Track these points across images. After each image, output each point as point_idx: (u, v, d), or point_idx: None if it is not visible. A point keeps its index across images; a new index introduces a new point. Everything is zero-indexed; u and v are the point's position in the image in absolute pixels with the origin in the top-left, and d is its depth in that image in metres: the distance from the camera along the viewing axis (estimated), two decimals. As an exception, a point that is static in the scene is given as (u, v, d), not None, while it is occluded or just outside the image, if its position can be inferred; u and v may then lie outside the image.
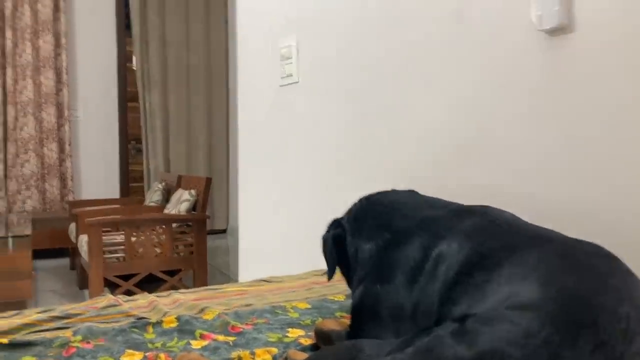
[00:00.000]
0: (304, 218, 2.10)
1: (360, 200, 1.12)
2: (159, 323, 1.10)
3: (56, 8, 5.15)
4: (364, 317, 0.94)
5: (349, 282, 1.11)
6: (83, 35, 5.37)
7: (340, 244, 1.08)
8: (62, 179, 5.23)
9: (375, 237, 0.98)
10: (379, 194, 1.12)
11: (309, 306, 1.23)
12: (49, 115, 5.15)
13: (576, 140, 1.18)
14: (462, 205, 0.99)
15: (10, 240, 3.49)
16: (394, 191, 1.14)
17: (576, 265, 0.69)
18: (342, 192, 1.90)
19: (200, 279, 3.85)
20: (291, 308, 1.22)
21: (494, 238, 0.80)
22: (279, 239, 2.28)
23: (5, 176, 5.02)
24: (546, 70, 1.23)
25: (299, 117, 2.13)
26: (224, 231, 5.96)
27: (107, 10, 5.45)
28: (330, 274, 1.11)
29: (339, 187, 1.91)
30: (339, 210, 1.20)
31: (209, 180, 4.05)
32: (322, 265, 1.50)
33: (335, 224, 1.12)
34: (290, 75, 2.14)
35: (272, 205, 2.32)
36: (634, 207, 1.08)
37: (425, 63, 1.57)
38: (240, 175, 2.58)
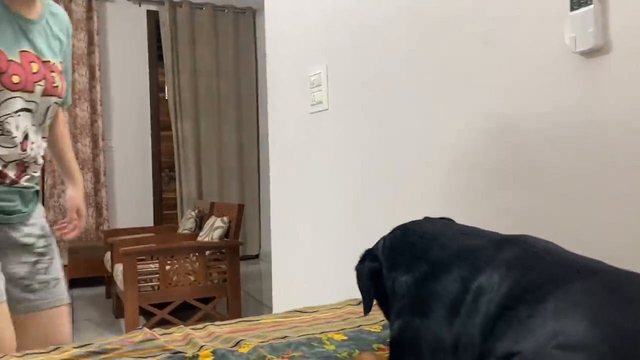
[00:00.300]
0: (335, 244, 2.09)
1: (394, 231, 1.10)
2: (195, 357, 1.09)
3: (90, 42, 5.30)
4: (404, 351, 0.92)
5: (387, 315, 1.08)
6: (117, 67, 5.51)
7: (377, 277, 1.06)
8: (98, 208, 5.33)
9: (412, 269, 0.96)
10: (413, 223, 1.10)
11: (345, 338, 1.21)
12: (85, 147, 5.27)
13: (615, 165, 1.15)
14: (501, 234, 0.96)
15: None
16: (428, 220, 1.12)
17: (626, 299, 0.66)
18: (373, 218, 1.89)
19: (234, 307, 3.85)
20: (327, 340, 1.20)
21: (537, 270, 0.77)
22: (311, 265, 2.27)
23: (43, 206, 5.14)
24: (581, 93, 1.21)
25: (329, 144, 2.13)
26: (256, 257, 5.98)
27: (140, 43, 5.59)
28: (367, 309, 1.09)
29: (370, 213, 1.90)
30: (371, 236, 1.18)
31: (241, 207, 4.07)
32: (356, 293, 1.49)
33: (370, 256, 1.10)
34: (320, 102, 2.14)
35: (304, 232, 2.32)
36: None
37: (455, 87, 1.55)
38: (272, 202, 2.59)
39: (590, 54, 1.17)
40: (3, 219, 1.48)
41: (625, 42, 1.12)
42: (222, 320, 1.45)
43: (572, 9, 1.18)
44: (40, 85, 1.46)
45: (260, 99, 5.91)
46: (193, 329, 1.30)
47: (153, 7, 5.58)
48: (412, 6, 1.69)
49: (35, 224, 1.60)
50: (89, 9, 5.28)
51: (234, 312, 3.82)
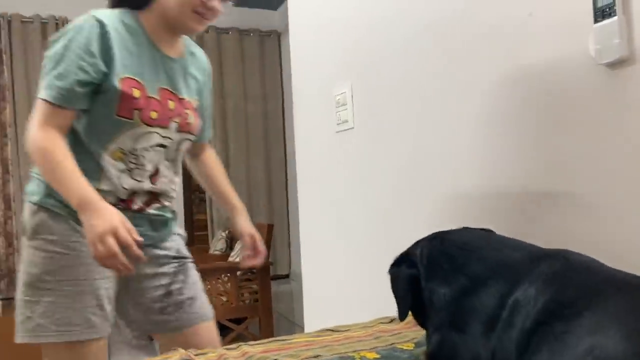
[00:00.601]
0: (366, 262, 2.09)
1: (433, 240, 1.09)
2: (229, 377, 1.10)
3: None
4: None
5: (423, 325, 1.08)
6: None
7: (414, 284, 1.05)
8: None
9: (450, 281, 0.96)
10: (452, 233, 1.09)
11: (378, 356, 1.21)
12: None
13: (648, 174, 1.13)
14: (540, 248, 0.95)
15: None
16: (468, 230, 1.11)
17: None
18: (403, 235, 1.89)
19: (267, 327, 3.86)
20: (360, 358, 1.20)
21: (573, 285, 0.77)
22: (342, 284, 2.27)
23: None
24: (608, 104, 1.20)
25: (355, 162, 2.14)
26: (287, 276, 5.98)
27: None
28: (403, 315, 1.08)
29: (400, 230, 1.90)
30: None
31: (270, 227, 4.09)
32: (388, 312, 1.49)
33: (408, 262, 1.09)
34: (346, 121, 2.16)
35: (334, 250, 2.32)
36: None
37: (482, 104, 1.55)
38: (300, 222, 2.60)
39: (615, 65, 1.16)
40: None
41: (651, 53, 1.11)
42: (254, 340, 1.46)
43: (595, 20, 1.18)
44: (175, 121, 1.49)
45: (286, 120, 5.97)
46: (227, 349, 1.31)
47: (181, 33, 5.72)
48: (438, 24, 1.70)
49: (170, 247, 1.63)
50: (119, 38, 5.45)
51: (267, 332, 3.83)
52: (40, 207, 1.42)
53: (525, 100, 1.41)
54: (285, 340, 1.38)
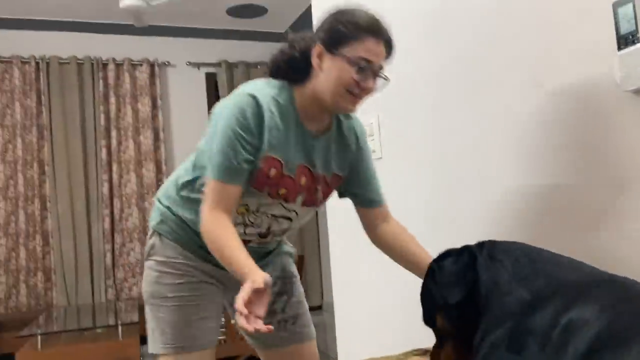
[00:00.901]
0: (397, 292, 2.08)
1: (490, 243, 1.05)
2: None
3: (154, 106, 5.58)
4: None
5: (464, 327, 1.02)
6: (179, 128, 5.76)
7: (465, 276, 1.01)
8: (165, 265, 5.49)
9: (513, 292, 0.92)
10: (507, 242, 1.05)
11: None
12: (151, 205, 5.49)
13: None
14: (599, 270, 0.94)
15: (119, 327, 3.66)
16: (520, 243, 1.06)
17: None
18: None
19: (300, 359, 3.83)
20: (392, 391, 1.20)
21: (627, 314, 0.75)
22: (375, 315, 2.26)
23: (113, 265, 5.33)
24: (634, 130, 1.19)
25: (384, 192, 2.15)
26: (319, 307, 5.96)
27: (200, 103, 5.83)
28: (457, 297, 1.01)
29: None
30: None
31: (301, 259, 4.10)
32: (421, 343, 1.48)
33: (462, 254, 1.04)
34: (374, 151, 2.18)
35: (366, 281, 2.32)
36: None
37: (509, 129, 1.56)
38: (331, 252, 2.61)
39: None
40: None
41: (677, 78, 1.11)
42: (287, 372, 1.47)
43: (619, 48, 1.19)
44: (302, 196, 1.49)
45: (316, 150, 6.02)
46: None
47: (211, 69, 5.83)
48: (465, 55, 1.72)
49: (275, 268, 1.66)
50: (152, 75, 5.58)
51: (300, 364, 3.80)
52: (154, 231, 1.55)
53: (553, 128, 1.41)
54: (318, 372, 1.38)
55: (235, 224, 1.46)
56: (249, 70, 5.90)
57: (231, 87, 5.81)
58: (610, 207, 1.27)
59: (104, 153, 5.35)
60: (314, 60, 1.38)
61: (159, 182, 5.56)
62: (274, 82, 1.44)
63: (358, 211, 1.62)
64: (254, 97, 1.37)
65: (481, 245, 1.06)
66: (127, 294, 5.35)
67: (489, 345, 0.92)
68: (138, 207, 5.44)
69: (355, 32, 1.33)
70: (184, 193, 1.51)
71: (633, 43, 1.15)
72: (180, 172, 1.57)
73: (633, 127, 1.20)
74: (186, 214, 1.51)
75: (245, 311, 1.15)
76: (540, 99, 1.44)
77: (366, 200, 1.60)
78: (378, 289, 2.22)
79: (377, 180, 1.63)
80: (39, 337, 3.48)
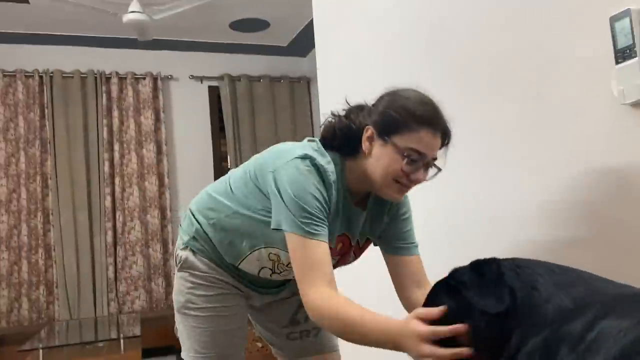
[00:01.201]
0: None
1: (512, 261, 1.01)
2: None
3: (157, 119, 5.61)
4: None
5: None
6: (181, 141, 5.77)
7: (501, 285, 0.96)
8: (167, 278, 5.48)
9: (552, 299, 0.89)
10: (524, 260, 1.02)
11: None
12: (154, 218, 5.48)
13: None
14: (633, 287, 0.92)
15: (122, 341, 3.65)
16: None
17: None
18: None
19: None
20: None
21: None
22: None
23: (116, 278, 5.33)
24: (632, 143, 1.20)
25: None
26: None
27: (203, 117, 5.85)
28: (499, 307, 0.95)
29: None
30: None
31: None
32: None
33: (489, 266, 1.00)
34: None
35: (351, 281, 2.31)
36: None
37: (508, 143, 1.56)
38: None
39: (638, 105, 1.17)
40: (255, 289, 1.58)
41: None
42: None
43: (617, 62, 1.20)
44: (335, 259, 1.45)
45: (318, 163, 6.03)
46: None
47: (214, 83, 5.86)
48: (464, 69, 1.73)
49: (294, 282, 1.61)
50: (155, 88, 5.60)
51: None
52: (187, 245, 1.54)
53: (552, 141, 1.42)
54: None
55: (263, 268, 1.47)
56: (252, 84, 5.93)
57: (234, 100, 5.85)
58: (612, 220, 1.27)
59: (106, 166, 5.37)
60: (364, 144, 1.32)
61: (161, 195, 5.57)
62: (324, 152, 1.37)
63: (388, 264, 1.53)
64: (321, 170, 1.31)
65: (494, 260, 1.02)
66: (129, 307, 5.33)
67: (524, 356, 0.88)
68: (140, 220, 5.44)
69: (410, 122, 1.25)
70: (221, 215, 1.47)
71: (630, 57, 1.16)
72: (217, 188, 1.54)
73: (631, 140, 1.20)
74: (219, 244, 1.49)
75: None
76: (540, 112, 1.45)
77: (392, 248, 1.51)
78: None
79: (412, 233, 1.53)
80: (41, 351, 3.48)
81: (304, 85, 6.13)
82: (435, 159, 1.30)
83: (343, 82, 2.46)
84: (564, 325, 0.84)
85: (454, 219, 1.80)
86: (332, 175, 1.33)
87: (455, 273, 1.06)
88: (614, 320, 0.78)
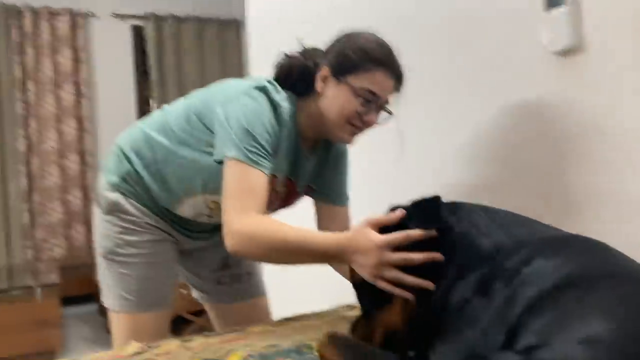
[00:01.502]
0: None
1: (452, 203, 1.01)
2: (185, 369, 1.09)
3: (76, 59, 5.29)
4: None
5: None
6: (103, 83, 5.50)
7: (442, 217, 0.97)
8: (87, 226, 5.29)
9: (492, 235, 0.91)
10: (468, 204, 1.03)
11: (336, 343, 1.21)
12: (72, 163, 5.24)
13: (592, 162, 1.16)
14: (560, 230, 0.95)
15: (38, 289, 3.52)
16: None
17: None
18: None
19: (228, 318, 3.83)
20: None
21: (593, 261, 0.79)
22: (303, 273, 2.27)
23: (33, 225, 5.10)
24: (559, 91, 1.22)
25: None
26: (249, 268, 5.95)
27: (125, 58, 5.58)
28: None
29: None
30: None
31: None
32: (348, 299, 1.49)
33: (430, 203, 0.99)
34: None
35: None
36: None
37: (435, 92, 1.57)
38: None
39: (565, 53, 1.19)
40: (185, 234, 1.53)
41: (597, 42, 1.14)
42: (216, 332, 1.45)
43: (546, 9, 1.20)
44: (276, 204, 1.43)
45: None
46: (184, 340, 1.30)
47: (138, 22, 5.57)
48: (395, 20, 1.70)
49: None
50: (73, 26, 5.26)
51: (228, 324, 3.80)
52: (116, 188, 1.44)
53: (481, 88, 1.43)
54: (243, 330, 1.37)
55: (200, 213, 1.42)
56: (179, 26, 5.67)
57: (159, 42, 5.60)
58: (541, 166, 1.31)
59: (19, 107, 5.05)
60: (319, 84, 1.30)
61: (81, 139, 5.32)
62: (279, 89, 1.32)
63: (318, 213, 1.53)
64: (276, 106, 1.27)
65: (436, 197, 1.00)
66: (48, 255, 5.14)
67: (459, 290, 0.89)
68: (58, 165, 5.19)
69: (366, 62, 1.24)
70: (157, 156, 1.39)
71: (559, 4, 1.17)
72: (152, 124, 1.44)
73: (560, 87, 1.23)
74: (154, 187, 1.41)
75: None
76: (468, 59, 1.45)
77: (325, 196, 1.51)
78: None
79: (346, 184, 1.53)
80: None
81: (234, 28, 5.93)
82: (387, 102, 1.30)
83: (273, 25, 2.38)
84: (501, 261, 0.85)
85: (377, 163, 1.81)
86: (287, 113, 1.29)
87: (394, 208, 1.05)
88: (549, 258, 0.80)
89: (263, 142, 1.23)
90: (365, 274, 1.04)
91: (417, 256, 0.96)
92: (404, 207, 1.03)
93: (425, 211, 0.99)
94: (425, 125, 1.62)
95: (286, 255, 1.19)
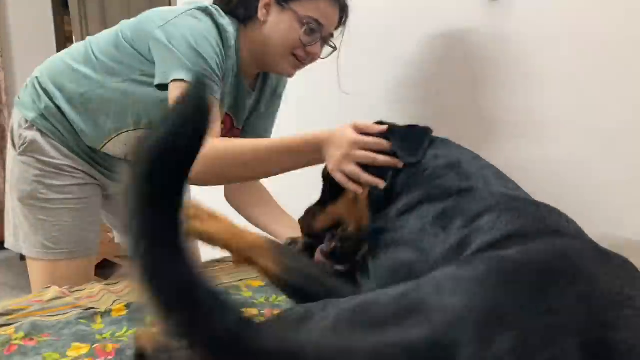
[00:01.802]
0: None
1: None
2: (107, 312, 1.06)
3: (-15, -11, 4.90)
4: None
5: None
6: (17, 17, 5.13)
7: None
8: (5, 168, 5.05)
9: (474, 176, 0.92)
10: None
11: (262, 284, 1.21)
12: (-13, 102, 4.94)
13: (519, 73, 1.19)
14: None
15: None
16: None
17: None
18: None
19: (157, 262, 3.79)
20: (245, 287, 1.20)
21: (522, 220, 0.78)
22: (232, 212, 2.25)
23: None
24: (490, 34, 1.23)
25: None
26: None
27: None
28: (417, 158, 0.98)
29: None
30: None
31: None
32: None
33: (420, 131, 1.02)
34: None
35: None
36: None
37: (378, 40, 1.55)
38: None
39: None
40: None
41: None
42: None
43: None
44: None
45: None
46: (107, 284, 1.26)
47: (54, -49, 5.21)
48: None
49: None
50: (-19, -48, 4.86)
51: (158, 267, 3.76)
52: (33, 124, 1.33)
53: (416, 38, 1.42)
54: (170, 272, 1.35)
55: (130, 152, 1.34)
56: (100, -44, 5.32)
57: (78, -27, 5.24)
58: (466, 78, 1.33)
59: None
60: (261, 10, 1.23)
61: (-5, 77, 4.99)
62: (222, 13, 1.25)
63: None
64: (221, 30, 1.20)
65: (429, 129, 1.03)
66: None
67: (418, 217, 0.89)
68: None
69: None
70: (82, 89, 1.30)
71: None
72: (75, 54, 1.34)
73: (489, 30, 1.23)
74: (78, 123, 1.32)
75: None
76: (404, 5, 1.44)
77: (254, 135, 1.48)
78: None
79: (271, 129, 1.53)
80: None
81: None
82: (332, 35, 1.27)
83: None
84: (469, 203, 0.86)
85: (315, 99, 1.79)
86: (232, 39, 1.23)
87: (381, 122, 1.06)
88: (508, 214, 0.80)
89: (213, 66, 1.17)
90: (329, 165, 1.06)
91: (381, 157, 0.99)
92: (396, 127, 1.04)
93: (408, 140, 1.01)
94: (361, 67, 1.60)
95: (259, 163, 1.15)
